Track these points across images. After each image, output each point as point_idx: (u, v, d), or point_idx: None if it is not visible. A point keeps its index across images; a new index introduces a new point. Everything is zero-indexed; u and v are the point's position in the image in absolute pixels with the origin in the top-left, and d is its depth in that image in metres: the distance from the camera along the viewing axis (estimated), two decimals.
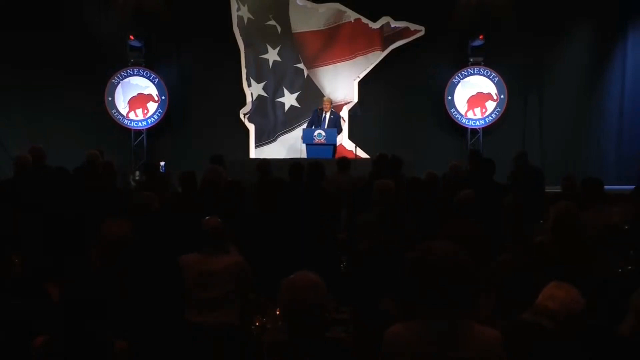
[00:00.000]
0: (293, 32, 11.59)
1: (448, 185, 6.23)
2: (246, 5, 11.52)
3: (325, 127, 10.00)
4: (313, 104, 10.57)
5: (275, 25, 11.58)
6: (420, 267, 2.14)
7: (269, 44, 11.60)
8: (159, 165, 9.02)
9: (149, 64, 11.45)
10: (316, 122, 10.08)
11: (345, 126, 11.54)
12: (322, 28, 11.62)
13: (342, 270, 4.97)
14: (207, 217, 4.04)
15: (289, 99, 11.66)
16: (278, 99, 11.67)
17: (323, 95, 11.06)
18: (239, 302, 3.98)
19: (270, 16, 11.57)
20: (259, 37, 11.59)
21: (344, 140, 11.46)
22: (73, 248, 3.58)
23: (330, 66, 11.62)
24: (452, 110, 11.50)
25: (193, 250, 4.04)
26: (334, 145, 9.93)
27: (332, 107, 10.36)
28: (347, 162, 7.38)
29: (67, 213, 4.68)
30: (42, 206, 4.93)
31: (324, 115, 10.14)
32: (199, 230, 4.03)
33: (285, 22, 11.58)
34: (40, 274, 3.32)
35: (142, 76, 11.35)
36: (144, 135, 11.45)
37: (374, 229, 4.63)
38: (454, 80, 11.49)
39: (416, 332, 2.14)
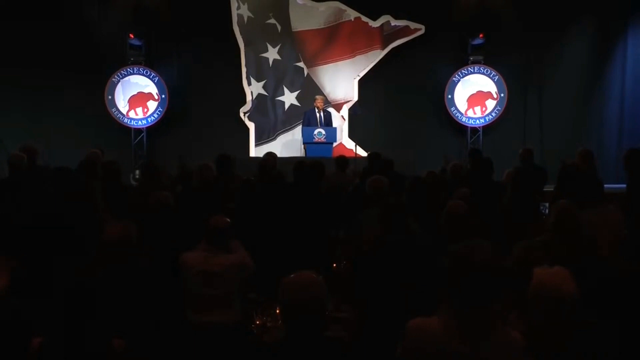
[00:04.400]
0: (293, 30, 11.59)
1: (448, 185, 6.22)
2: (246, 4, 11.51)
3: (322, 124, 10.01)
4: (313, 103, 10.57)
5: (275, 24, 11.58)
6: (463, 266, 2.18)
7: (269, 43, 11.60)
8: (158, 165, 8.95)
9: (148, 63, 11.43)
10: (314, 122, 10.08)
11: (345, 125, 11.56)
12: (322, 27, 11.62)
13: (341, 269, 4.97)
14: (216, 216, 4.01)
15: (289, 98, 11.66)
16: (278, 98, 11.67)
17: (323, 94, 11.09)
18: (239, 302, 3.98)
19: (270, 15, 11.57)
20: (259, 36, 11.58)
21: (344, 139, 11.47)
22: (69, 249, 3.57)
23: (331, 65, 11.63)
24: (452, 108, 11.50)
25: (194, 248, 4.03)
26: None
27: (332, 106, 10.35)
28: (345, 161, 7.38)
29: (64, 214, 4.66)
30: (40, 207, 4.91)
31: (319, 113, 10.15)
32: (199, 228, 4.03)
33: (285, 20, 11.58)
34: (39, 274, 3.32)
35: (142, 75, 11.34)
36: (144, 134, 11.45)
37: (375, 226, 4.61)
38: (454, 78, 11.48)
39: (442, 327, 2.17)
